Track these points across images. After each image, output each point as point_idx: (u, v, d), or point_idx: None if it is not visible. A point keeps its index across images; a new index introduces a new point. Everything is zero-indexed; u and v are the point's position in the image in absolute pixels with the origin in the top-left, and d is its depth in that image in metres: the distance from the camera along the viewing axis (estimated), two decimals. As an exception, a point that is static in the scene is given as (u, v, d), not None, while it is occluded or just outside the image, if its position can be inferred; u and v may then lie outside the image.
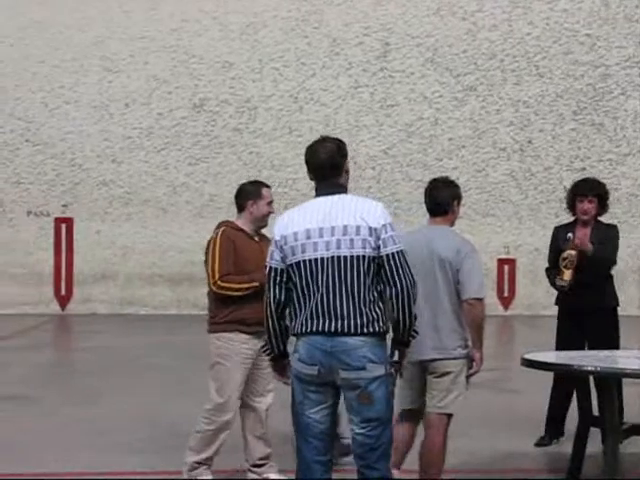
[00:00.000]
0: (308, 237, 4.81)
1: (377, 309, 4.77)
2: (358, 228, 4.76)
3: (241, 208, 6.57)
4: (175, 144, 17.26)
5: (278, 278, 4.87)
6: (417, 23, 17.33)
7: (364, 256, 4.75)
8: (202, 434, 6.46)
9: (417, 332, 4.98)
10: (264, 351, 5.18)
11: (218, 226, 6.62)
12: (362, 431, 4.79)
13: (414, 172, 17.16)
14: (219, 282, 6.33)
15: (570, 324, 7.38)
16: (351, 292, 4.75)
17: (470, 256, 5.85)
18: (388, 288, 4.77)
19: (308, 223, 4.83)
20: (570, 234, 7.35)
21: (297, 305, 4.86)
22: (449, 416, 5.94)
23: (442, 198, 6.03)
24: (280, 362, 5.01)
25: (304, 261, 4.81)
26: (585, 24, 17.40)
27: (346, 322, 4.74)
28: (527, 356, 6.31)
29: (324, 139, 4.99)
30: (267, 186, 6.61)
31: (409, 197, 17.02)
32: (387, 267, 4.75)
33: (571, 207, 7.51)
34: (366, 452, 4.81)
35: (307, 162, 4.96)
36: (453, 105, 17.32)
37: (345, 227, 4.78)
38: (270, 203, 6.53)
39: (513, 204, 17.33)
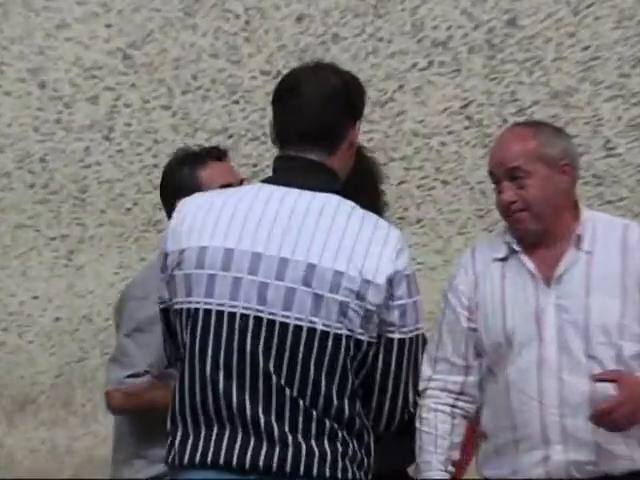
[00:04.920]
0: (225, 266, 2.20)
1: (358, 435, 2.25)
2: (341, 276, 2.19)
3: None
4: None
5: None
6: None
7: (341, 335, 2.21)
8: None
9: None
10: None
11: None
12: None
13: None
14: None
15: None
16: (301, 396, 2.19)
17: None
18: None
19: (232, 236, 2.23)
20: None
21: (177, 398, 2.26)
22: None
23: None
24: None
25: (204, 311, 2.23)
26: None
27: (289, 451, 2.17)
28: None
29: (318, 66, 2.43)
30: None
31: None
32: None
33: None
34: None
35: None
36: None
37: (312, 268, 2.19)
38: None
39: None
